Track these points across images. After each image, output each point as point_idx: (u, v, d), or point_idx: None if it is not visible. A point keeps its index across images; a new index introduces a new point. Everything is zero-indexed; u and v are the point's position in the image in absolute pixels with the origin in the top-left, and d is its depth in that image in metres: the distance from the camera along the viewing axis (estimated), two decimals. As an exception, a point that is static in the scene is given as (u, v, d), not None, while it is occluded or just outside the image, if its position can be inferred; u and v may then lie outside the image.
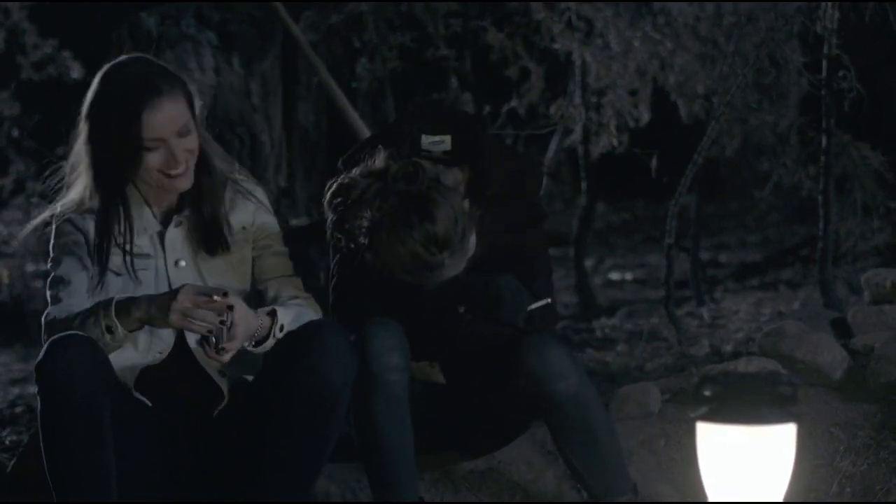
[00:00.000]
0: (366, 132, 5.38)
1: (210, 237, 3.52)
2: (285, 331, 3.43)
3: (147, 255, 3.51)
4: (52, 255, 3.52)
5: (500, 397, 3.57)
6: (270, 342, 3.43)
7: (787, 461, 2.52)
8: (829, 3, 5.13)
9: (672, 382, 4.42)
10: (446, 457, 3.78)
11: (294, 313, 3.48)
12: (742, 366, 4.19)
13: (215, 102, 5.37)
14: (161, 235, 3.54)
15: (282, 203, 5.45)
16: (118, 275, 3.48)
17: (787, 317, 5.69)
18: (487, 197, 3.55)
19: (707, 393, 2.51)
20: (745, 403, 2.49)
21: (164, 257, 3.53)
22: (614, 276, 9.03)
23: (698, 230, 7.27)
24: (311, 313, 3.54)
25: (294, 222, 5.40)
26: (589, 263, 8.59)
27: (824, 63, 5.27)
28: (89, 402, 3.24)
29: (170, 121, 3.38)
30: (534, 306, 3.58)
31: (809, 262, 7.72)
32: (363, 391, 3.39)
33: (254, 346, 3.42)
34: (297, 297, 3.59)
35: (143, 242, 3.52)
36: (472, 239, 3.47)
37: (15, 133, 8.02)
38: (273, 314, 3.44)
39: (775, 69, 5.60)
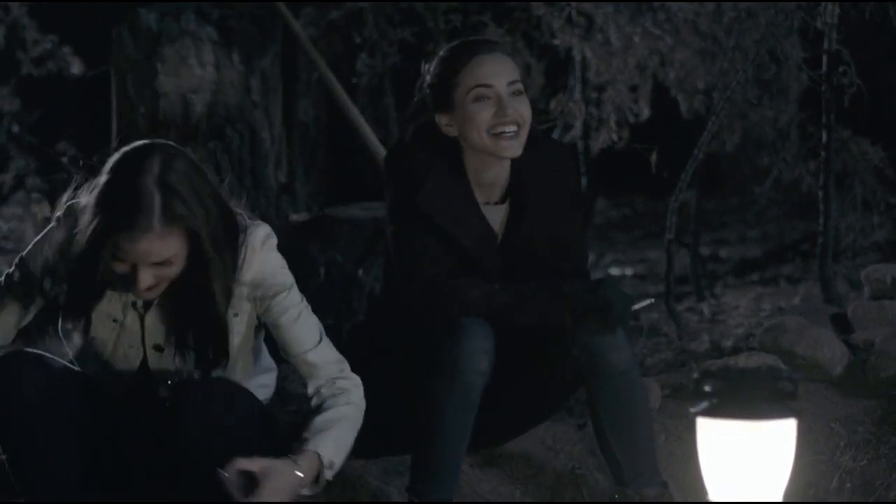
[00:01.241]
0: (366, 128, 5.38)
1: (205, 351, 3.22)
2: (336, 468, 3.21)
3: (116, 320, 3.23)
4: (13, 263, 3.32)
5: (543, 374, 3.59)
6: (320, 486, 3.20)
7: (788, 457, 2.52)
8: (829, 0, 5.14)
9: (672, 378, 4.42)
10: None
11: (335, 433, 3.21)
12: (742, 361, 4.20)
13: (215, 99, 5.37)
14: (136, 307, 3.23)
15: (282, 199, 5.45)
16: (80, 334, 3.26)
17: (787, 312, 5.70)
18: (525, 186, 3.61)
19: (707, 388, 2.51)
20: (746, 399, 2.49)
21: (141, 334, 3.25)
22: (614, 271, 9.02)
23: (698, 225, 7.26)
24: (353, 412, 3.28)
25: (294, 218, 5.39)
26: (589, 259, 8.57)
27: (824, 58, 5.27)
28: (44, 407, 3.13)
29: (145, 254, 3.03)
30: (638, 306, 3.62)
31: (809, 257, 7.71)
32: (442, 385, 3.40)
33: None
34: (338, 381, 3.30)
35: (114, 307, 3.24)
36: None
37: (15, 129, 8.01)
38: (316, 456, 3.16)
39: (775, 65, 5.60)
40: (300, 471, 3.13)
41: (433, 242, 3.54)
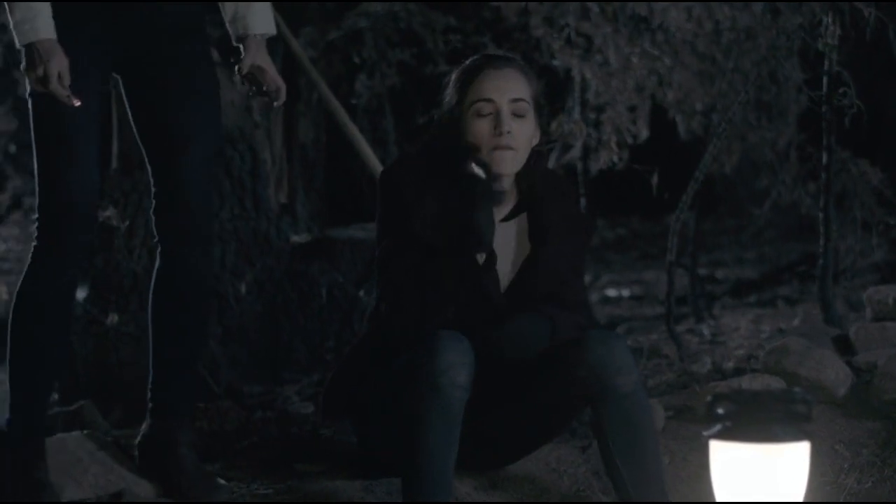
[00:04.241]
0: (367, 148, 5.37)
1: None
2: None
3: None
4: None
5: (549, 395, 3.59)
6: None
7: (801, 479, 2.51)
8: (830, 20, 5.13)
9: (675, 399, 4.41)
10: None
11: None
12: (746, 383, 4.19)
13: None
14: None
15: (283, 220, 5.43)
16: None
17: (788, 333, 5.69)
18: (542, 208, 3.63)
19: (720, 411, 2.50)
20: (760, 422, 2.48)
21: None
22: (611, 292, 9.02)
23: (697, 247, 7.25)
24: None
25: (295, 239, 5.38)
26: (586, 280, 8.56)
27: (825, 80, 5.26)
28: None
29: None
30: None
31: (806, 278, 7.71)
32: (422, 401, 3.37)
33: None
34: None
35: None
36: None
37: (12, 149, 8.00)
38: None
39: (775, 86, 5.60)
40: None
41: (418, 261, 3.55)
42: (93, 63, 3.59)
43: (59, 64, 3.44)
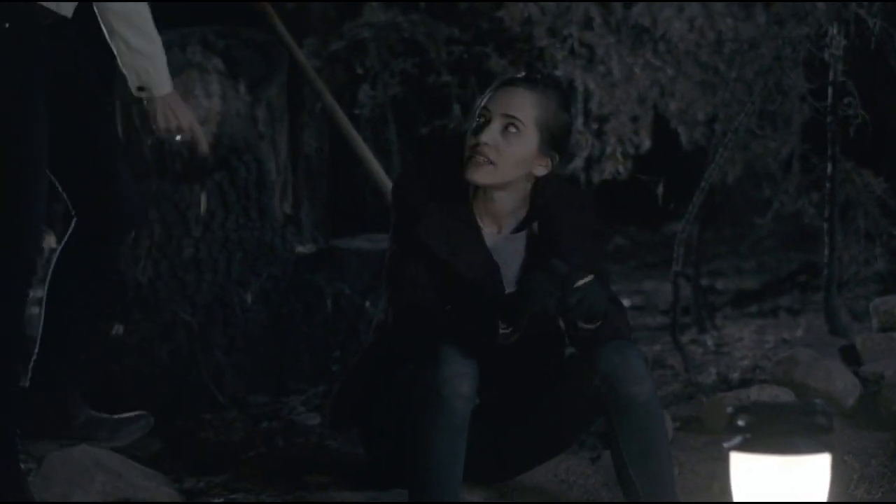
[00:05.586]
0: (371, 158, 5.37)
1: None
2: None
3: None
4: None
5: (562, 405, 3.59)
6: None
7: (821, 492, 2.51)
8: (836, 30, 5.13)
9: (681, 410, 4.41)
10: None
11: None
12: (755, 394, 4.19)
13: (221, 130, 5.35)
14: None
15: (287, 230, 5.43)
16: None
17: (793, 344, 5.69)
18: (553, 219, 3.64)
19: (741, 423, 2.50)
20: (780, 434, 2.47)
21: None
22: (612, 303, 8.97)
23: (699, 257, 7.24)
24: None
25: (300, 249, 5.38)
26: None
27: (829, 90, 5.26)
28: None
29: None
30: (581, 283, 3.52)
31: (807, 289, 7.69)
32: (426, 411, 3.37)
33: None
34: None
35: None
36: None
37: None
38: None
39: (780, 96, 5.60)
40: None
41: (423, 271, 3.55)
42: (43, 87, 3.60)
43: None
